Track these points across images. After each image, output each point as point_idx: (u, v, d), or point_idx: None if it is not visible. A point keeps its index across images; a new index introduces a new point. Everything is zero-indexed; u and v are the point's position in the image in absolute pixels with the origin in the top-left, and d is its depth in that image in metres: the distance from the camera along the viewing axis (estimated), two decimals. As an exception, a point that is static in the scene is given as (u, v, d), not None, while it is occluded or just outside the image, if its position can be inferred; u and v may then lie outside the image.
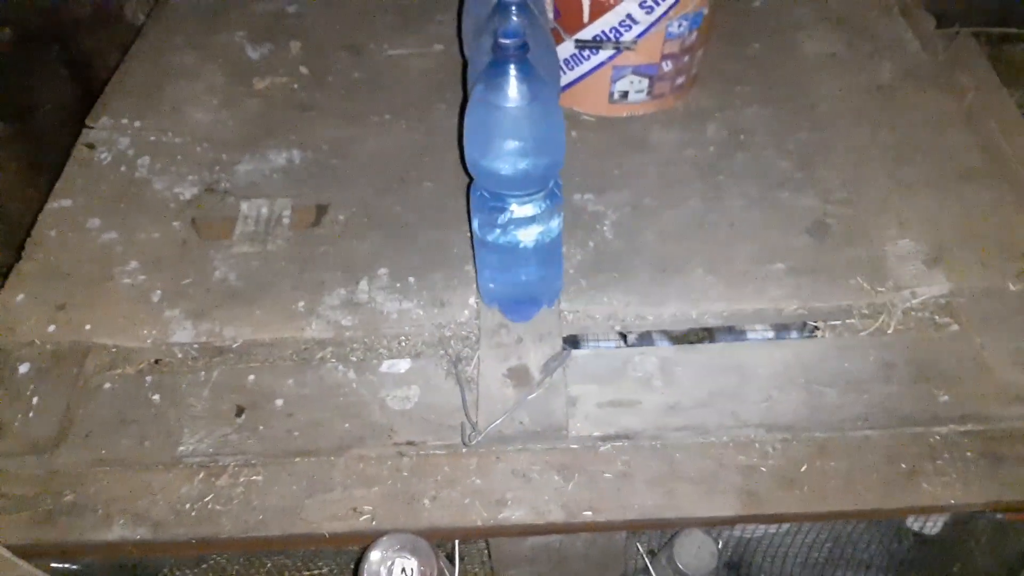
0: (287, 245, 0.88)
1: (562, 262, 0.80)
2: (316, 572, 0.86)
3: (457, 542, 0.77)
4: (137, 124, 1.02)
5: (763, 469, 0.71)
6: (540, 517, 0.69)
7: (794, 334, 0.81)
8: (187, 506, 0.70)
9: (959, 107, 0.99)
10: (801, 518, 0.73)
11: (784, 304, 0.81)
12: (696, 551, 0.76)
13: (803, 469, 0.71)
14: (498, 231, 0.69)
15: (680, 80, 0.99)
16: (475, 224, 0.71)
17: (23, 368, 0.78)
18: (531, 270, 0.74)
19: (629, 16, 0.90)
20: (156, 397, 0.76)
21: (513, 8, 0.71)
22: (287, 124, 1.02)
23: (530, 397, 0.73)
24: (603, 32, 0.92)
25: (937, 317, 0.80)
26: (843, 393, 0.74)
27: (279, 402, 0.75)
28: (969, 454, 0.71)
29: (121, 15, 1.35)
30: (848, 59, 1.08)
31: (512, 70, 0.60)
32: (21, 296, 0.83)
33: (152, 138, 1.00)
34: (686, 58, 0.97)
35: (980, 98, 0.99)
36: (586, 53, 0.94)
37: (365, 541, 0.64)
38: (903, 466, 0.71)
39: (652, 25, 0.90)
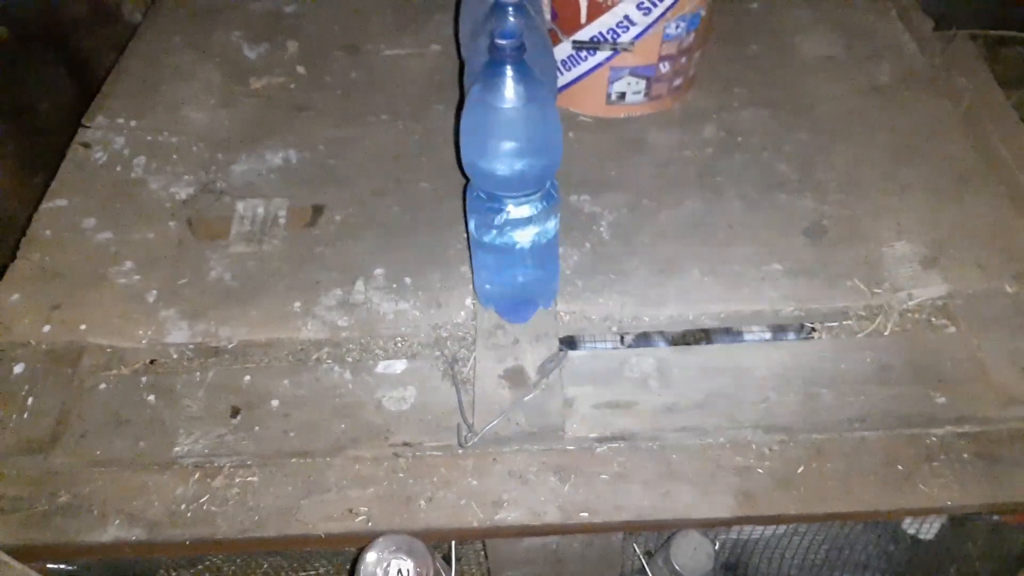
0: (283, 245, 0.88)
1: (559, 263, 0.80)
2: (312, 573, 0.86)
3: (453, 543, 0.77)
4: (133, 124, 1.01)
5: (760, 470, 0.71)
6: (536, 518, 0.69)
7: (791, 335, 0.81)
8: (183, 507, 0.70)
9: (956, 109, 1.00)
10: (798, 519, 0.73)
11: (781, 305, 0.81)
12: (693, 552, 0.76)
13: (800, 470, 0.71)
14: (494, 232, 0.69)
15: (678, 81, 0.99)
16: (471, 225, 0.71)
17: (18, 368, 0.78)
18: (527, 271, 0.74)
19: (627, 17, 0.90)
20: (151, 398, 0.76)
21: (510, 9, 0.71)
22: (284, 124, 1.02)
23: (526, 398, 0.73)
24: (600, 33, 0.92)
25: (934, 319, 0.80)
26: (840, 395, 0.74)
27: (275, 403, 0.75)
28: (966, 456, 0.71)
29: (118, 14, 1.35)
30: (846, 61, 1.08)
31: (509, 71, 0.60)
32: (16, 296, 0.83)
33: (148, 138, 1.00)
34: (684, 59, 0.97)
35: (977, 100, 0.99)
36: (583, 54, 0.94)
37: (361, 542, 0.64)
38: (900, 468, 0.71)
39: (650, 26, 0.90)
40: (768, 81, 1.05)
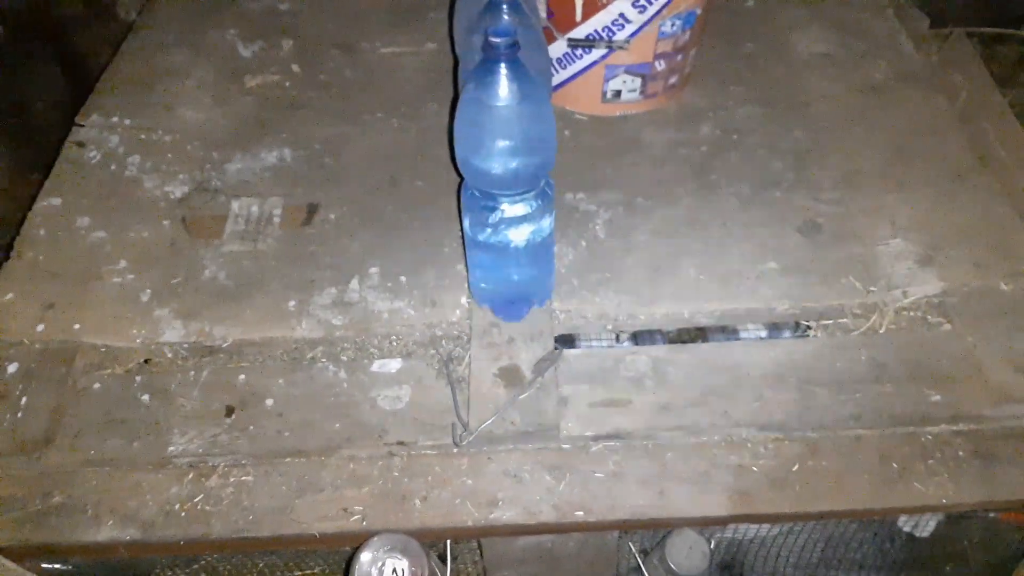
0: (278, 244, 0.88)
1: (554, 261, 0.79)
2: (307, 572, 0.86)
3: (449, 542, 0.77)
4: (127, 122, 1.01)
5: (755, 469, 0.71)
6: (532, 517, 0.69)
7: (786, 334, 0.81)
8: (177, 506, 0.70)
9: (952, 107, 1.00)
10: (793, 518, 0.73)
11: (776, 303, 0.81)
12: (688, 551, 0.76)
13: (795, 469, 0.71)
14: (489, 230, 0.69)
15: (673, 79, 0.99)
16: (466, 223, 0.71)
17: (11, 368, 0.77)
18: (522, 269, 0.74)
19: (622, 15, 0.89)
20: (146, 397, 0.75)
21: (504, 7, 0.71)
22: (278, 122, 1.01)
23: (521, 397, 0.73)
24: (596, 31, 0.92)
25: (929, 317, 0.80)
26: (835, 393, 0.74)
27: (269, 402, 0.75)
28: (961, 454, 0.71)
29: (113, 12, 1.34)
30: (841, 59, 1.08)
31: (503, 69, 0.60)
32: (10, 295, 0.83)
33: (142, 136, 1.00)
34: (679, 57, 0.96)
35: (973, 98, 0.99)
36: (579, 52, 0.94)
37: (356, 541, 0.64)
38: (895, 466, 0.71)
39: (645, 24, 0.90)
40: (763, 79, 1.05)
